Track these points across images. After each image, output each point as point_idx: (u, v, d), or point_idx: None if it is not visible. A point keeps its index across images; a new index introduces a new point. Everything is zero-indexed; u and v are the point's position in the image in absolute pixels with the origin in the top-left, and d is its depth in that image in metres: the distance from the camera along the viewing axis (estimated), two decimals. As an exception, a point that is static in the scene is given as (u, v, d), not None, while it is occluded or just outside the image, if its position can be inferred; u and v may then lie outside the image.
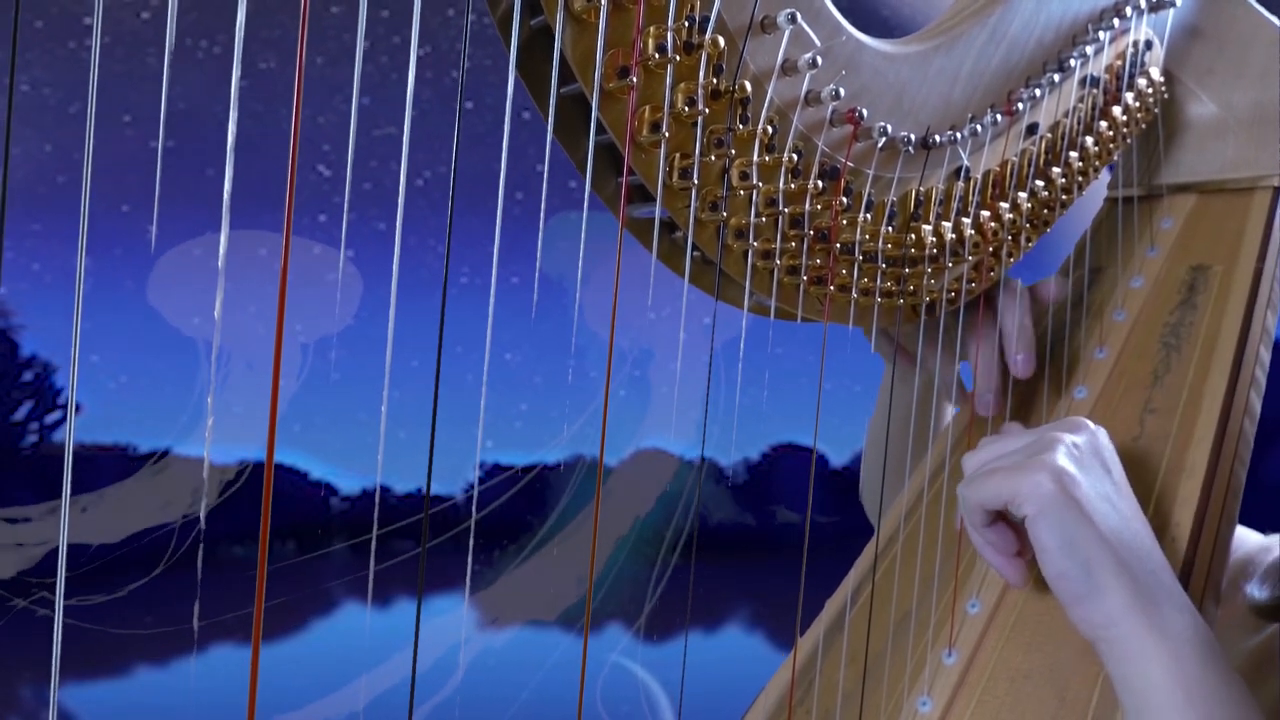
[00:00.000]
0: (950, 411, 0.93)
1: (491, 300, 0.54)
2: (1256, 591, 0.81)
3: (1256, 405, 0.80)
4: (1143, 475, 0.76)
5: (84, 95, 0.38)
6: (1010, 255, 0.79)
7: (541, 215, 0.66)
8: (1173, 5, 0.85)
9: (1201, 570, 0.71)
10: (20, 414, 4.04)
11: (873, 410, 1.04)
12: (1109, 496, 0.64)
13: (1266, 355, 0.82)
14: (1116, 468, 0.67)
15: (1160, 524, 0.73)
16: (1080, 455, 0.65)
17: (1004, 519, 0.68)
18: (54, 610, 0.35)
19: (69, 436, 0.41)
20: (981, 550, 0.70)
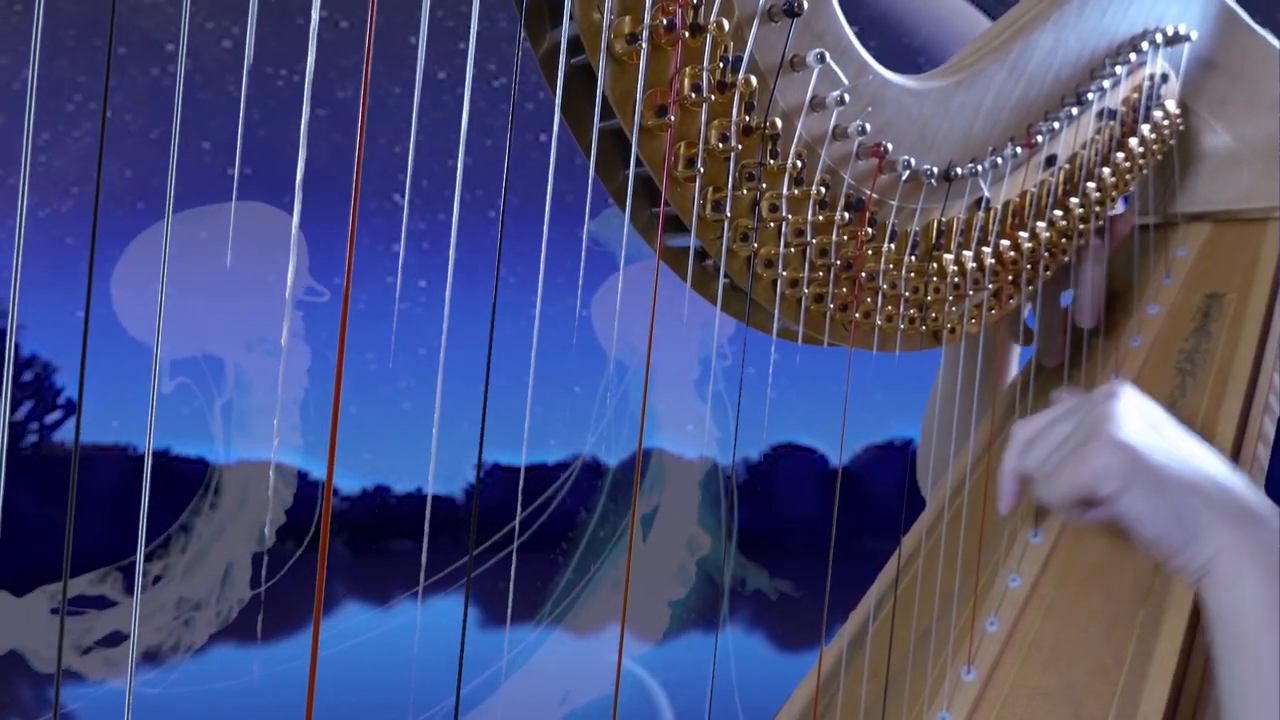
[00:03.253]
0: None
1: (536, 330, 0.56)
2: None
3: (1270, 430, 0.82)
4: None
5: (165, 122, 0.40)
6: (1029, 283, 0.81)
7: (583, 245, 0.68)
8: (1188, 40, 0.87)
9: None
10: (20, 414, 4.04)
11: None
12: (1169, 447, 0.66)
13: (1280, 382, 0.85)
14: (1159, 413, 0.69)
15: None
16: (1130, 417, 0.67)
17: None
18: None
19: (148, 455, 0.42)
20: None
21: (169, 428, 3.85)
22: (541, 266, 0.61)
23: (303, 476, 4.14)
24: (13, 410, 4.02)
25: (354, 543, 4.10)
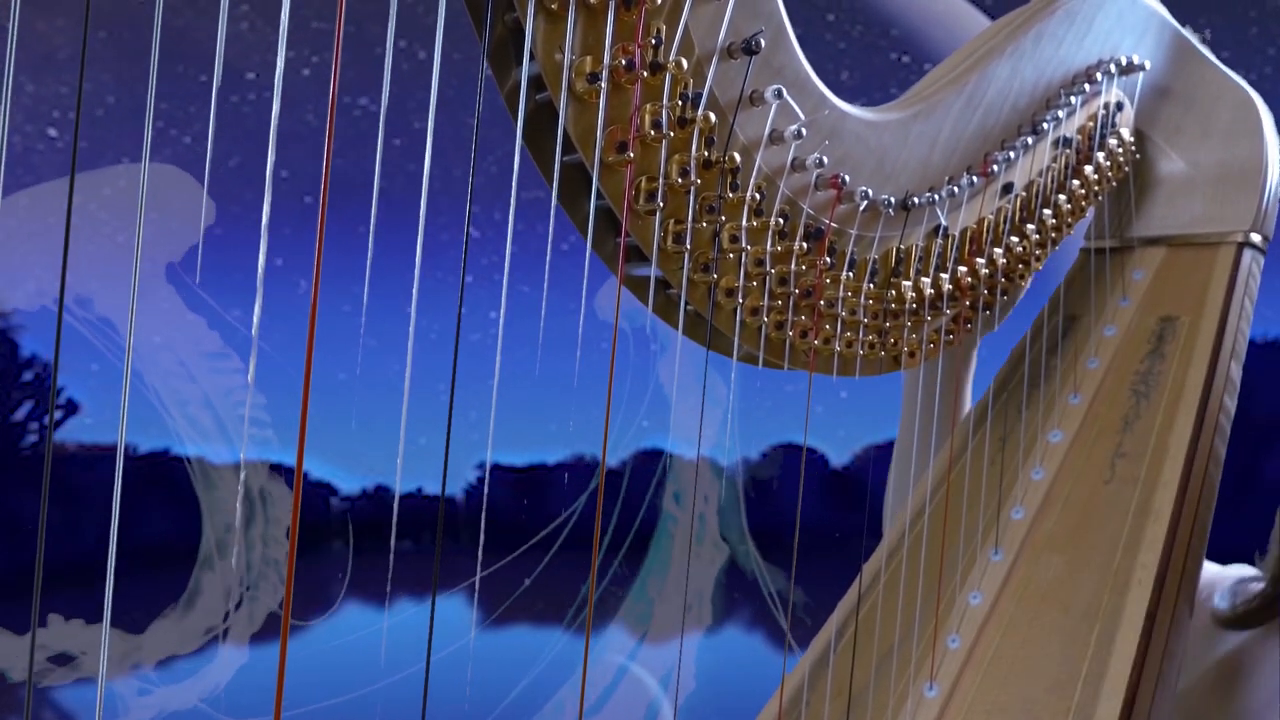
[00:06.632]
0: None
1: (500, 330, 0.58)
2: (1221, 602, 0.87)
3: (1221, 451, 0.84)
4: (1113, 516, 0.80)
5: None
6: (986, 308, 0.83)
7: (547, 259, 0.70)
8: (1142, 69, 0.89)
9: (1167, 608, 0.75)
10: (20, 414, 4.05)
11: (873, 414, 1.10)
12: None
13: (1231, 404, 0.86)
14: None
15: (1128, 565, 0.78)
16: None
17: None
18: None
19: (119, 453, 0.44)
20: None
21: (169, 428, 3.87)
22: (506, 270, 0.63)
23: (302, 476, 4.15)
24: (13, 410, 4.04)
25: (354, 543, 4.11)
